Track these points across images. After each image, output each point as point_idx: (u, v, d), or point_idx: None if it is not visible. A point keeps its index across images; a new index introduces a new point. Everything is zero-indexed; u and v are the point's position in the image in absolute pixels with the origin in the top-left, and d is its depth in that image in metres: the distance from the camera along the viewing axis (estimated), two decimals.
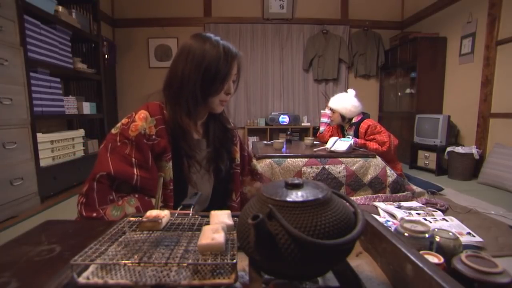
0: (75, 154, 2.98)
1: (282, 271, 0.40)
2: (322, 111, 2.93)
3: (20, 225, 1.98)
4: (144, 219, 0.52)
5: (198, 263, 0.41)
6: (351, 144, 2.28)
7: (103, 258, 0.41)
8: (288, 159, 2.15)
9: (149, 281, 0.38)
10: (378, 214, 1.89)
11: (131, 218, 0.56)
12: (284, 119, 4.51)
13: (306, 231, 0.38)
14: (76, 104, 3.05)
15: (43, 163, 2.47)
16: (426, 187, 2.54)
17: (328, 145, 2.33)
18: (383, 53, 4.59)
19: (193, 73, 0.84)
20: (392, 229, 0.70)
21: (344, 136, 2.70)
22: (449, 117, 3.39)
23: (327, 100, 2.86)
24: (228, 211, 0.55)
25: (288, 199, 0.41)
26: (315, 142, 2.70)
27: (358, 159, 2.19)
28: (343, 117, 2.66)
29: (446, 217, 1.78)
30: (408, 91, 4.14)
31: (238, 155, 1.06)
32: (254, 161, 1.19)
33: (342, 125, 2.77)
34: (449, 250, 0.67)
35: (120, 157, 0.80)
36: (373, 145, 2.45)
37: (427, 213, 1.85)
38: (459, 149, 3.13)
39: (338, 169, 2.14)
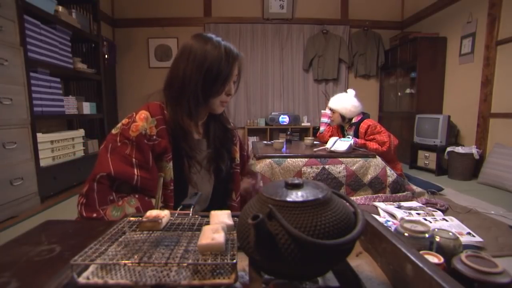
0: (75, 154, 2.98)
1: (282, 271, 0.40)
2: (322, 111, 2.94)
3: (20, 225, 1.98)
4: (144, 219, 0.52)
5: (198, 263, 0.41)
6: (351, 144, 2.28)
7: (103, 258, 0.41)
8: (288, 159, 2.15)
9: (149, 281, 0.38)
10: (378, 214, 1.89)
11: (131, 218, 0.56)
12: (284, 119, 4.51)
13: (306, 231, 0.38)
14: (76, 104, 3.05)
15: (43, 163, 2.47)
16: (426, 187, 2.54)
17: (328, 145, 2.33)
18: (383, 53, 4.59)
19: (194, 74, 0.84)
20: (392, 229, 0.70)
21: (344, 136, 2.70)
22: (449, 117, 3.39)
23: (328, 99, 2.86)
24: (228, 211, 0.55)
25: (288, 199, 0.41)
26: (315, 142, 2.70)
27: (358, 159, 2.19)
28: (343, 117, 2.66)
29: (446, 217, 1.78)
30: (408, 91, 4.14)
31: (238, 155, 1.06)
32: (251, 161, 1.19)
33: (342, 125, 2.77)
34: (449, 250, 0.67)
35: (120, 158, 0.80)
36: (373, 145, 2.45)
37: (427, 213, 1.85)
38: (459, 149, 3.13)
39: (338, 169, 2.14)
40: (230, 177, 1.03)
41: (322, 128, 2.91)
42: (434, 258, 0.58)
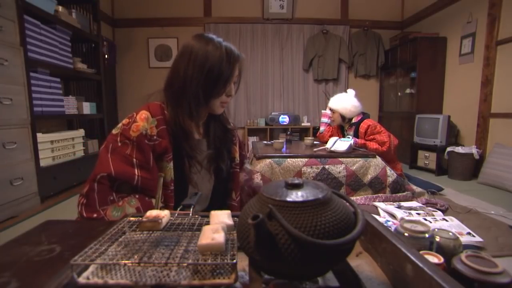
0: (75, 154, 2.98)
1: (282, 271, 0.40)
2: (322, 111, 2.94)
3: (20, 225, 1.98)
4: (144, 219, 0.52)
5: (198, 263, 0.41)
6: (351, 144, 2.28)
7: (103, 258, 0.41)
8: (288, 159, 2.15)
9: (149, 281, 0.38)
10: (378, 214, 1.89)
11: (131, 218, 0.56)
12: (284, 119, 4.51)
13: (306, 231, 0.38)
14: (76, 104, 3.05)
15: (43, 163, 2.47)
16: (426, 187, 2.54)
17: (328, 145, 2.33)
18: (383, 53, 4.59)
19: (195, 75, 0.84)
20: (392, 229, 0.70)
21: (344, 136, 2.70)
22: (449, 117, 3.39)
23: (329, 99, 2.86)
24: (228, 211, 0.55)
25: (288, 199, 0.41)
26: (315, 142, 2.70)
27: (358, 159, 2.19)
28: (343, 117, 2.66)
29: (446, 217, 1.78)
30: (408, 91, 4.14)
31: (237, 155, 1.07)
32: (246, 164, 1.20)
33: (342, 125, 2.77)
34: (449, 250, 0.67)
35: (121, 158, 0.80)
36: (373, 145, 2.45)
37: (427, 213, 1.86)
38: (459, 149, 3.13)
39: (338, 169, 2.14)
40: (229, 176, 1.04)
41: (322, 128, 2.91)
42: (434, 258, 0.58)
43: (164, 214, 0.54)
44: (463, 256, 0.55)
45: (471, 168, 3.13)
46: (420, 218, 1.75)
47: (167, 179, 0.87)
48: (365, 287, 0.42)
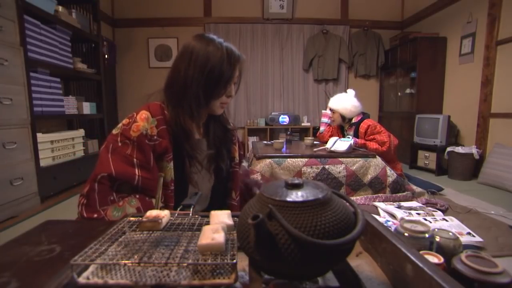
0: (75, 154, 2.98)
1: (282, 271, 0.40)
2: (323, 111, 2.94)
3: (20, 225, 1.98)
4: (144, 219, 0.52)
5: (198, 263, 0.41)
6: (351, 144, 2.28)
7: (103, 258, 0.41)
8: (288, 159, 2.15)
9: (149, 281, 0.38)
10: (378, 214, 1.89)
11: (131, 218, 0.56)
12: (284, 119, 4.51)
13: (306, 231, 0.38)
14: (76, 104, 3.05)
15: (43, 163, 2.47)
16: (426, 187, 2.54)
17: (328, 145, 2.33)
18: (383, 53, 4.59)
19: (196, 75, 0.83)
20: (392, 229, 0.70)
21: (344, 136, 2.70)
22: (449, 117, 3.39)
23: (329, 99, 2.86)
24: (228, 211, 0.55)
25: (288, 199, 0.41)
26: (315, 142, 2.70)
27: (358, 159, 2.19)
28: (343, 117, 2.67)
29: (446, 217, 1.78)
30: (408, 91, 4.14)
31: (237, 154, 1.07)
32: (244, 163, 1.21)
33: (342, 125, 2.77)
34: (449, 250, 0.67)
35: (121, 158, 0.80)
36: (373, 145, 2.45)
37: (427, 213, 1.86)
38: (459, 149, 3.13)
39: (338, 169, 2.14)
40: (229, 176, 1.04)
41: (322, 128, 2.91)
42: (434, 258, 0.58)
43: (164, 214, 0.54)
44: (463, 256, 0.55)
45: (471, 168, 3.13)
46: (420, 218, 1.75)
47: (167, 179, 0.87)
48: (365, 287, 0.42)
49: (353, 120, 2.65)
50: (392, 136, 2.52)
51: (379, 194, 2.16)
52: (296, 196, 0.41)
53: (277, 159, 2.15)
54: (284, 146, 2.51)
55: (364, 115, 2.65)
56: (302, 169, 2.12)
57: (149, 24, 4.52)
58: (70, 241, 0.59)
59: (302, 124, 4.64)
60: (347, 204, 0.46)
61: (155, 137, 0.84)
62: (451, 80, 3.74)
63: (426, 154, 3.56)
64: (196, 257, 0.43)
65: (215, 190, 1.00)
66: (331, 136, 2.71)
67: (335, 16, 4.63)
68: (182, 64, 0.85)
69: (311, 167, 2.13)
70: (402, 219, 1.59)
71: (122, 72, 4.62)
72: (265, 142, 2.97)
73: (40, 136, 2.46)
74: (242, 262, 0.47)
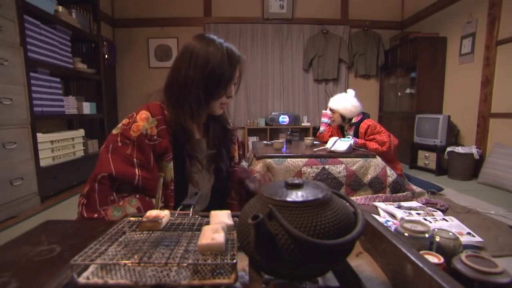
0: (75, 154, 2.98)
1: (282, 271, 0.40)
2: (323, 111, 2.94)
3: (20, 225, 1.98)
4: (144, 219, 0.52)
5: (198, 263, 0.41)
6: (351, 144, 2.28)
7: (103, 258, 0.41)
8: (288, 159, 2.15)
9: (149, 281, 0.38)
10: (378, 214, 1.89)
11: (131, 218, 0.56)
12: (284, 119, 4.51)
13: (306, 231, 0.38)
14: (76, 104, 3.05)
15: (43, 163, 2.47)
16: (426, 187, 2.54)
17: (328, 145, 2.32)
18: (383, 53, 4.59)
19: (196, 76, 0.83)
20: (392, 229, 0.70)
21: (344, 136, 2.70)
22: (449, 117, 3.39)
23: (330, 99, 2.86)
24: (228, 211, 0.55)
25: (288, 199, 0.41)
26: (315, 142, 2.70)
27: (358, 159, 2.19)
28: (343, 117, 2.66)
29: (446, 217, 1.78)
30: (408, 91, 4.14)
31: (237, 154, 1.07)
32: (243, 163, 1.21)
33: (342, 125, 2.77)
34: (449, 250, 0.67)
35: (121, 158, 0.80)
36: (373, 145, 2.45)
37: (427, 213, 1.85)
38: (459, 149, 3.13)
39: (338, 169, 2.14)
40: (228, 175, 1.04)
41: (322, 128, 2.91)
42: (434, 258, 0.58)
43: (164, 214, 0.54)
44: (463, 256, 0.55)
45: (471, 168, 3.13)
46: (420, 218, 1.75)
47: (167, 179, 0.87)
48: (365, 287, 0.42)
49: (353, 120, 2.65)
50: (392, 136, 2.52)
51: (379, 194, 2.16)
52: (296, 196, 0.41)
53: (277, 159, 2.14)
54: (284, 146, 2.51)
55: (364, 115, 2.65)
56: (302, 169, 2.12)
57: (149, 24, 4.52)
58: (70, 241, 0.59)
59: (302, 124, 4.64)
60: (347, 204, 0.46)
61: (155, 137, 0.84)
62: (451, 80, 3.74)
63: (426, 154, 3.56)
64: (196, 257, 0.43)
65: (215, 190, 1.00)
66: (331, 136, 2.71)
67: (335, 16, 4.63)
68: (182, 65, 0.85)
69: (311, 167, 2.13)
70: (402, 219, 1.59)
71: (122, 72, 4.62)
72: (265, 142, 2.97)
73: (40, 136, 2.46)
74: (242, 262, 0.47)
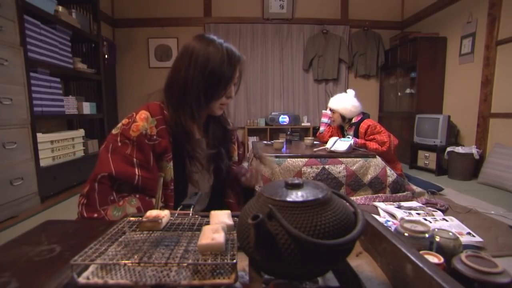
0: (75, 154, 2.98)
1: (282, 271, 0.40)
2: (323, 111, 2.94)
3: (20, 225, 1.98)
4: (144, 219, 0.52)
5: (198, 263, 0.41)
6: (351, 144, 2.28)
7: (103, 258, 0.41)
8: (288, 159, 2.15)
9: (149, 281, 0.38)
10: (378, 214, 1.89)
11: (131, 218, 0.56)
12: (284, 119, 4.51)
13: (306, 231, 0.38)
14: (76, 104, 3.05)
15: (43, 163, 2.47)
16: (426, 187, 2.54)
17: (328, 145, 2.32)
18: (383, 53, 4.59)
19: (196, 76, 0.83)
20: (392, 229, 0.70)
21: (344, 136, 2.70)
22: (449, 117, 3.39)
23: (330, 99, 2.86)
24: (228, 211, 0.55)
25: (288, 199, 0.41)
26: (315, 142, 2.70)
27: (358, 159, 2.19)
28: (343, 117, 2.66)
29: (446, 217, 1.78)
30: (408, 91, 4.14)
31: (236, 153, 1.07)
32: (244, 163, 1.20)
33: (342, 125, 2.77)
34: (449, 250, 0.67)
35: (121, 158, 0.80)
36: (373, 145, 2.45)
37: (427, 213, 1.85)
38: (459, 149, 3.13)
39: (338, 169, 2.14)
40: (227, 175, 1.04)
41: (322, 128, 2.91)
42: (434, 258, 0.58)
43: (164, 214, 0.54)
44: (463, 256, 0.55)
45: (471, 168, 3.13)
46: (420, 218, 1.75)
47: (167, 178, 0.87)
48: (365, 287, 0.42)
49: (353, 120, 2.65)
50: (392, 136, 2.52)
51: (379, 194, 2.16)
52: (296, 196, 0.41)
53: (277, 159, 2.14)
54: (284, 146, 2.51)
55: (364, 115, 2.65)
56: (302, 169, 2.12)
57: (149, 24, 4.52)
58: (70, 241, 0.58)
59: (302, 124, 4.64)
60: (347, 204, 0.46)
61: (155, 137, 0.84)
62: (451, 80, 3.74)
63: (426, 154, 3.56)
64: (196, 257, 0.43)
65: (214, 190, 1.00)
66: (331, 136, 2.71)
67: (335, 16, 4.63)
68: (182, 65, 0.85)
69: (311, 167, 2.13)
70: (402, 219, 1.59)
71: (122, 72, 4.62)
72: (265, 142, 2.97)
73: (40, 136, 2.46)
74: (242, 262, 0.47)
